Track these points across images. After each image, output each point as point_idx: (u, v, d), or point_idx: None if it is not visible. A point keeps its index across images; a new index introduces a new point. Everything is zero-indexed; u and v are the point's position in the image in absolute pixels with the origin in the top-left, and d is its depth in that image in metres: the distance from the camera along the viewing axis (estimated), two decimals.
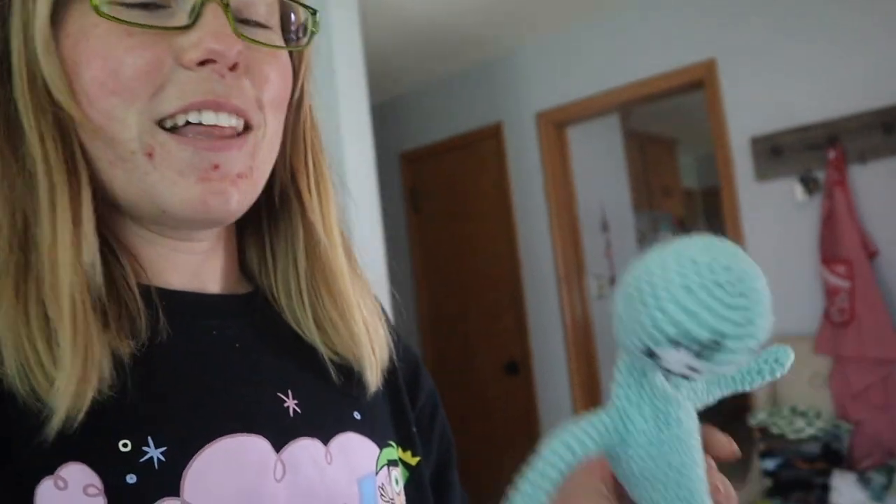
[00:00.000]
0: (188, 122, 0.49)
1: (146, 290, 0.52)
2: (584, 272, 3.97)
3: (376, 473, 0.59)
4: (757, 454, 2.84)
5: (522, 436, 4.04)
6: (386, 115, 4.58)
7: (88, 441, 0.44)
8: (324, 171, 0.62)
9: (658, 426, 0.41)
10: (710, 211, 6.96)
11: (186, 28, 0.48)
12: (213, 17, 0.48)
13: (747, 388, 0.47)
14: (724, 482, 0.46)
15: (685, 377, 0.37)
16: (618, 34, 3.61)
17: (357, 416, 0.60)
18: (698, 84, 3.42)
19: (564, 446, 0.40)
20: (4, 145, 0.48)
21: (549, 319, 3.89)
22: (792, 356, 0.46)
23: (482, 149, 4.14)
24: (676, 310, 0.34)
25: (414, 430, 0.66)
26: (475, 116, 4.17)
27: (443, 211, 4.37)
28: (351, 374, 0.60)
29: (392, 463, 0.61)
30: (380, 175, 4.62)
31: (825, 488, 2.58)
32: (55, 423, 0.42)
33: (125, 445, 0.45)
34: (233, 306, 0.59)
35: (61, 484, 0.42)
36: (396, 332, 0.71)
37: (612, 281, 4.26)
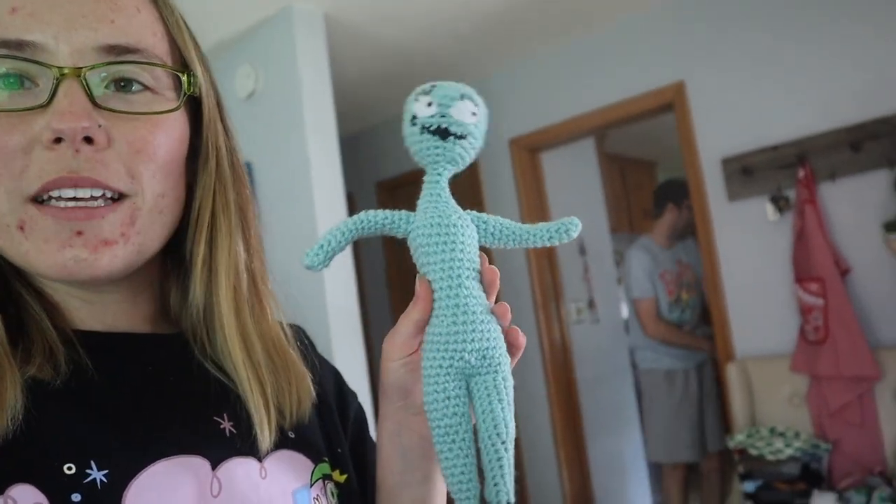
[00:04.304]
0: (51, 197, 0.52)
1: (64, 332, 0.56)
2: (561, 297, 3.96)
3: (311, 486, 0.63)
4: (737, 477, 2.81)
5: None
6: (361, 145, 4.59)
7: (35, 465, 0.48)
8: (224, 228, 0.64)
9: (435, 222, 0.56)
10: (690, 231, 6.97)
11: (43, 107, 0.51)
12: (64, 95, 0.51)
13: (538, 245, 0.59)
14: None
15: (444, 131, 0.56)
16: (587, 59, 3.64)
17: (291, 434, 0.64)
18: (668, 107, 3.43)
19: (360, 217, 0.57)
20: None
21: (527, 346, 3.84)
22: (579, 226, 0.59)
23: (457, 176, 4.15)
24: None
25: (340, 450, 0.70)
26: None
27: None
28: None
29: (327, 477, 0.66)
30: (357, 204, 4.61)
31: None
32: None
33: (70, 469, 0.49)
34: (162, 345, 0.63)
35: (11, 503, 0.46)
36: (314, 350, 0.75)
37: (591, 304, 4.25)
